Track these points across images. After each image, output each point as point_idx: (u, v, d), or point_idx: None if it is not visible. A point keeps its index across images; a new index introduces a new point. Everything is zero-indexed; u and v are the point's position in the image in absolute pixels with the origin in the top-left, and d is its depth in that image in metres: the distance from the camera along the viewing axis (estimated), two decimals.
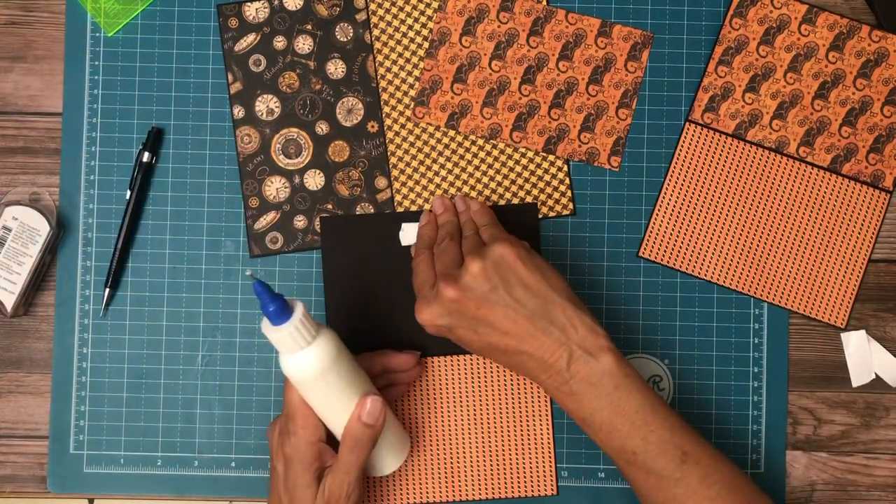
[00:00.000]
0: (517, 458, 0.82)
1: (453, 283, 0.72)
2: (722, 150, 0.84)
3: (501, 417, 0.82)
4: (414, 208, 0.84)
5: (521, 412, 0.82)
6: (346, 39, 0.84)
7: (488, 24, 0.84)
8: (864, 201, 0.83)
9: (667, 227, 0.83)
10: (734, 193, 0.83)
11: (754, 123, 0.84)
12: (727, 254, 0.83)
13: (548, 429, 0.83)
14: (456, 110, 0.84)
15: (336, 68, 0.84)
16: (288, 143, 0.84)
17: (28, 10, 0.85)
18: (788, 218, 0.83)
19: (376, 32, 0.84)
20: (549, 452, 0.83)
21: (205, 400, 0.83)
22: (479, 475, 0.82)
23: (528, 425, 0.82)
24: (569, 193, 0.84)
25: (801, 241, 0.83)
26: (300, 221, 0.84)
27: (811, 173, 0.84)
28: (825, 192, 0.83)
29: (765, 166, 0.84)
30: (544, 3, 0.84)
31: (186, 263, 0.83)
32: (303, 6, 0.84)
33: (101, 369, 0.83)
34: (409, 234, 0.82)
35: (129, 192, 0.83)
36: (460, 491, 0.82)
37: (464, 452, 0.82)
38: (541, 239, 0.83)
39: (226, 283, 0.83)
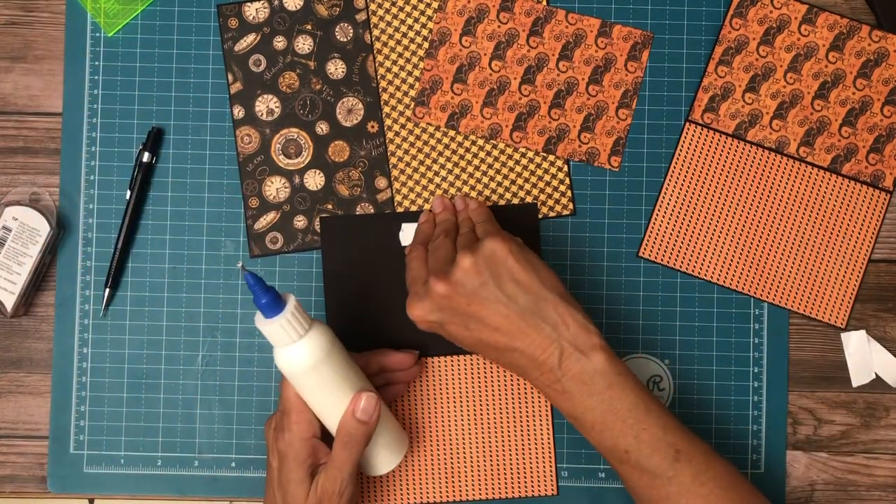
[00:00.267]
0: (517, 458, 0.82)
1: (444, 278, 0.72)
2: (722, 151, 0.84)
3: (501, 417, 0.82)
4: (414, 208, 0.83)
5: (521, 412, 0.82)
6: (346, 39, 0.84)
7: (488, 24, 0.84)
8: (864, 201, 0.83)
9: (667, 227, 0.83)
10: (734, 193, 0.83)
11: (754, 123, 0.84)
12: (727, 254, 0.83)
13: (548, 429, 0.82)
14: (456, 110, 0.84)
15: (336, 68, 0.84)
16: (288, 144, 0.84)
17: (28, 10, 0.85)
18: (788, 218, 0.83)
19: (376, 32, 0.84)
20: (550, 452, 0.83)
21: (205, 400, 0.83)
22: (479, 475, 0.82)
23: (528, 425, 0.82)
24: (569, 193, 0.84)
25: (801, 241, 0.83)
26: (300, 221, 0.84)
27: (811, 173, 0.84)
28: (825, 192, 0.83)
29: (765, 166, 0.83)
30: (544, 3, 0.84)
31: (186, 263, 0.83)
32: (303, 6, 0.84)
33: (101, 369, 0.83)
34: (409, 234, 0.82)
35: (129, 192, 0.83)
36: (460, 491, 0.82)
37: (464, 452, 0.82)
38: (541, 239, 0.83)
39: (226, 284, 0.83)
